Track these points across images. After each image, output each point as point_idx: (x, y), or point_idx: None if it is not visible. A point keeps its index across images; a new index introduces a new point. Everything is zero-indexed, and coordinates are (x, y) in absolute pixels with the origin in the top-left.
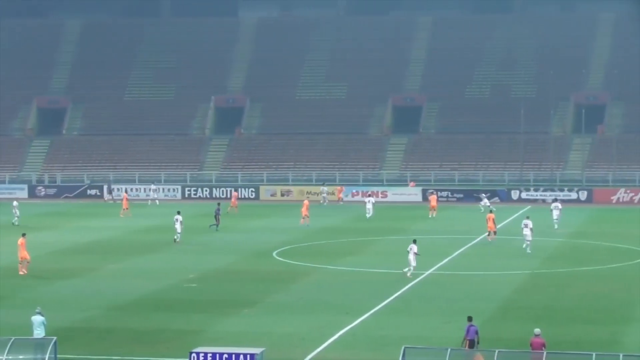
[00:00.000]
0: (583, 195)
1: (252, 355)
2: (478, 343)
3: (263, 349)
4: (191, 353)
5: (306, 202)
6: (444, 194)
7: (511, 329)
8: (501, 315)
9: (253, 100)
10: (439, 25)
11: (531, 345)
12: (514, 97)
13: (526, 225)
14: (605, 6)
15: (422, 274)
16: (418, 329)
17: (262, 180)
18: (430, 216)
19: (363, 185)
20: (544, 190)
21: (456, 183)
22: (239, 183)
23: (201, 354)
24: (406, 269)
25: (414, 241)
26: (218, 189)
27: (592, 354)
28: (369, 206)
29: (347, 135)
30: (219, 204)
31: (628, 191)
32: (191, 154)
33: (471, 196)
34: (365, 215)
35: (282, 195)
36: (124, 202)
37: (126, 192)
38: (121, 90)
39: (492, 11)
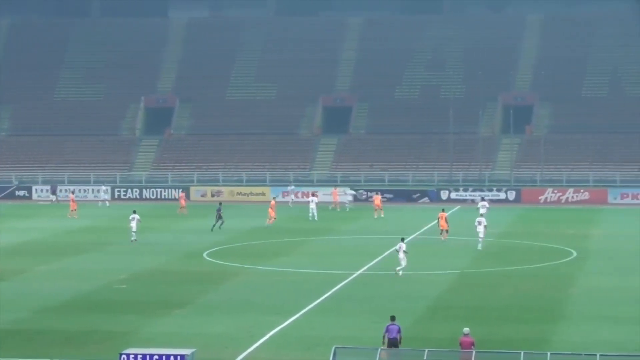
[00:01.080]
0: (511, 195)
1: (182, 356)
2: (400, 342)
3: (194, 349)
4: (121, 354)
5: (272, 202)
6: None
7: (441, 328)
8: (431, 314)
9: (183, 101)
10: (369, 26)
11: (460, 344)
12: (443, 98)
13: (480, 223)
14: (533, 8)
15: (353, 274)
16: (349, 329)
17: (192, 181)
18: (375, 217)
19: (294, 185)
20: (473, 190)
21: (386, 183)
22: (169, 184)
23: (131, 355)
24: (398, 268)
25: (402, 239)
26: (148, 189)
27: (520, 353)
28: (312, 206)
29: (278, 136)
30: (220, 203)
31: (555, 191)
32: (121, 155)
33: (402, 196)
34: (309, 215)
35: (213, 195)
36: (72, 203)
37: (73, 193)
38: (50, 91)
39: (421, 12)
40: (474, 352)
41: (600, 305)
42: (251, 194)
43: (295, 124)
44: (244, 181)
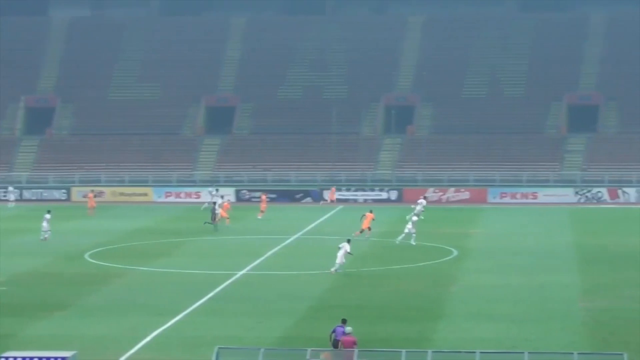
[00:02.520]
0: (393, 194)
1: (63, 359)
2: (355, 344)
3: (75, 351)
4: (1, 358)
5: (226, 204)
6: (257, 194)
7: (323, 327)
8: (313, 314)
9: (64, 101)
10: (252, 26)
11: (342, 343)
12: (326, 98)
13: (412, 219)
14: (414, 9)
15: (236, 274)
16: (231, 330)
17: (74, 182)
18: (258, 217)
19: (177, 186)
20: (356, 190)
21: (270, 183)
22: (50, 184)
23: (11, 358)
24: (333, 269)
25: (348, 241)
26: (29, 190)
27: (401, 351)
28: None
29: (161, 136)
30: (214, 202)
31: (437, 190)
32: (0, 155)
33: (285, 196)
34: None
35: (95, 196)
36: (90, 201)
37: (92, 191)
38: None
39: (304, 13)
40: (355, 351)
41: (480, 303)
42: (134, 194)
43: (178, 124)
44: (127, 181)
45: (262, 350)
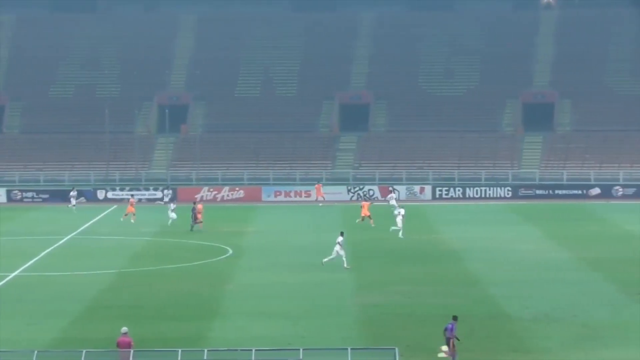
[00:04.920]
0: (168, 194)
1: None
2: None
3: None
4: None
5: (199, 206)
6: (29, 194)
7: (99, 328)
8: (88, 315)
9: None
10: (22, 24)
11: (118, 344)
12: (99, 97)
13: (399, 213)
14: (187, 8)
15: (7, 276)
16: (3, 332)
17: None
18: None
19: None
20: (130, 190)
21: (42, 184)
22: None
23: None
24: (326, 259)
25: (341, 233)
26: None
27: (178, 351)
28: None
29: None
30: (194, 203)
31: (211, 190)
32: None
33: (57, 196)
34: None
35: None
36: (130, 207)
37: (133, 196)
38: None
39: (75, 11)
40: (131, 351)
41: (255, 301)
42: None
43: None
44: None
45: (35, 352)
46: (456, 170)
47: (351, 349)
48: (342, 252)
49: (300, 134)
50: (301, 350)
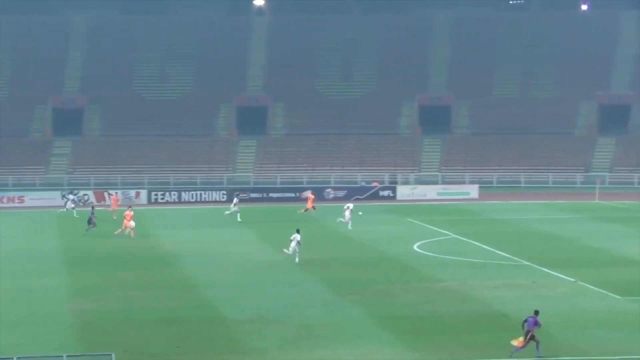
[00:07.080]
0: None
1: None
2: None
3: None
4: None
5: (129, 212)
6: None
7: None
8: None
9: None
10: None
11: None
12: None
13: (348, 207)
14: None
15: None
16: None
17: None
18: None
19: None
20: None
21: None
22: None
23: None
24: (285, 249)
25: (297, 231)
26: None
27: None
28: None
29: None
30: (92, 207)
31: None
32: None
33: None
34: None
35: None
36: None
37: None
38: None
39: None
40: None
41: None
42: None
43: None
44: None
45: None
46: (172, 174)
47: (67, 355)
48: (297, 248)
49: (12, 139)
50: (15, 358)
